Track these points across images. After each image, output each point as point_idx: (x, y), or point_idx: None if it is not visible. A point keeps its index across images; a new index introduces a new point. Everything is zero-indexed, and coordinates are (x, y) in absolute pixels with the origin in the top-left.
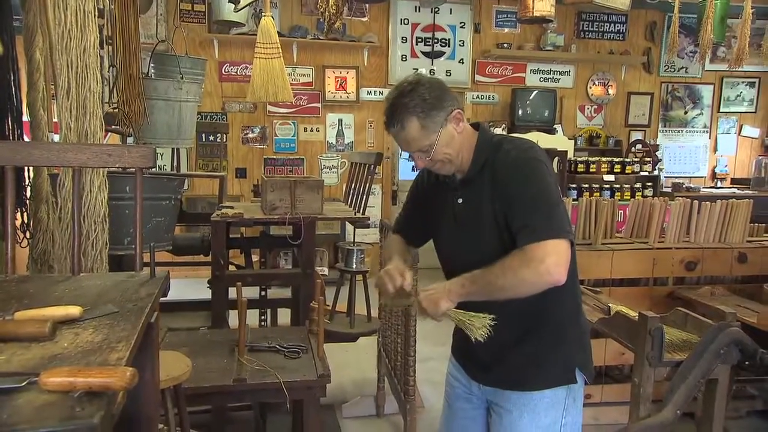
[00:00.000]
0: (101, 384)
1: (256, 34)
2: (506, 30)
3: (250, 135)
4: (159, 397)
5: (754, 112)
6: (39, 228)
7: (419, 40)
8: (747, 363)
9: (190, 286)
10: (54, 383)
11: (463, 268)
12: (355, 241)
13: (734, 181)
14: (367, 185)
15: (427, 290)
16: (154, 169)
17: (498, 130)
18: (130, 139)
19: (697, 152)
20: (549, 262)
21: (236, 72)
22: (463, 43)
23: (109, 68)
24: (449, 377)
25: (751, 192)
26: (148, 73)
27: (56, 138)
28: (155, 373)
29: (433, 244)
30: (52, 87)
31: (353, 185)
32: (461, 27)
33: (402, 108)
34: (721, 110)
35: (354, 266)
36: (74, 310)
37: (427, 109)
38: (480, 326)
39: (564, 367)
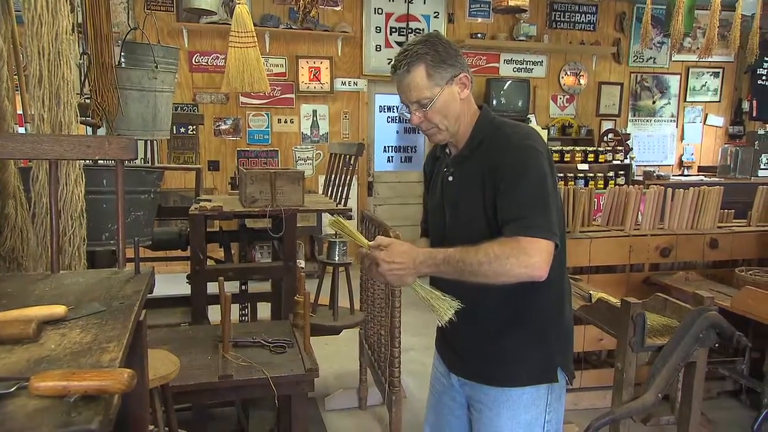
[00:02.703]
0: (97, 387)
1: (227, 23)
2: (479, 20)
3: (223, 126)
4: (148, 397)
5: (719, 102)
6: (7, 224)
7: (393, 29)
8: (716, 344)
9: (164, 281)
10: (46, 388)
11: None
12: (337, 233)
13: (701, 169)
14: (348, 176)
15: (392, 258)
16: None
17: None
18: (100, 131)
19: (665, 141)
20: (539, 259)
21: (207, 62)
22: (437, 33)
23: (80, 56)
24: (434, 370)
25: (717, 179)
26: (119, 62)
27: (21, 130)
28: (145, 373)
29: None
30: (16, 77)
31: (333, 177)
32: (435, 17)
33: (413, 53)
34: (687, 100)
35: (337, 258)
36: (59, 310)
37: (437, 60)
38: (447, 309)
39: (545, 364)
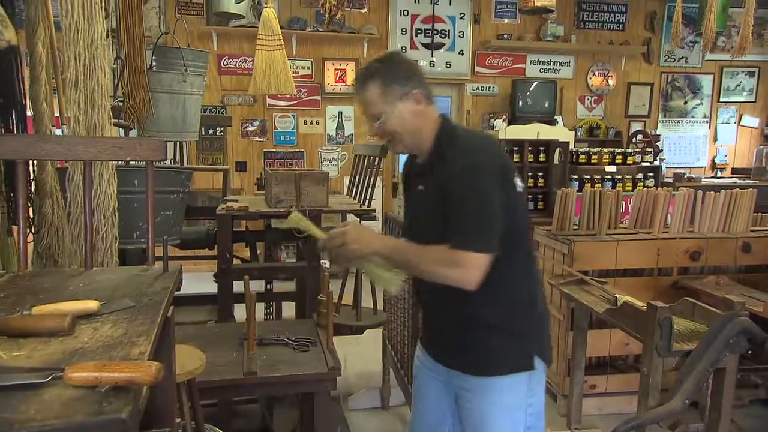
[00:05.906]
0: (127, 379)
1: (255, 27)
2: (506, 21)
3: (250, 128)
4: (175, 391)
5: (754, 102)
6: (44, 223)
7: (419, 31)
8: (749, 351)
9: (191, 279)
10: (79, 378)
11: None
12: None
13: (734, 171)
14: (373, 178)
15: (352, 240)
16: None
17: (498, 122)
18: (132, 133)
19: (696, 142)
20: (471, 273)
21: (235, 65)
22: (462, 34)
23: (114, 60)
24: (416, 360)
25: (751, 181)
26: (150, 65)
27: (58, 132)
28: (172, 368)
29: None
30: (53, 80)
31: (357, 178)
32: (461, 18)
33: (369, 70)
34: (720, 100)
35: None
36: (92, 305)
37: (389, 79)
38: (392, 281)
39: (522, 354)
